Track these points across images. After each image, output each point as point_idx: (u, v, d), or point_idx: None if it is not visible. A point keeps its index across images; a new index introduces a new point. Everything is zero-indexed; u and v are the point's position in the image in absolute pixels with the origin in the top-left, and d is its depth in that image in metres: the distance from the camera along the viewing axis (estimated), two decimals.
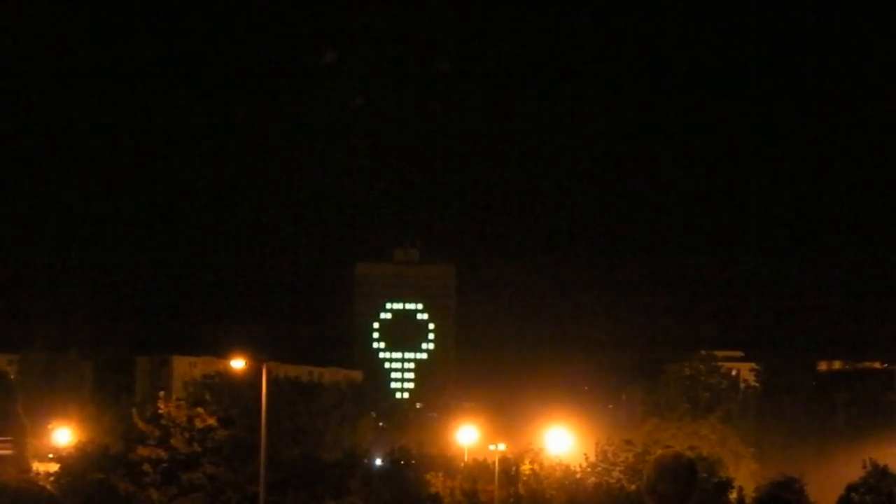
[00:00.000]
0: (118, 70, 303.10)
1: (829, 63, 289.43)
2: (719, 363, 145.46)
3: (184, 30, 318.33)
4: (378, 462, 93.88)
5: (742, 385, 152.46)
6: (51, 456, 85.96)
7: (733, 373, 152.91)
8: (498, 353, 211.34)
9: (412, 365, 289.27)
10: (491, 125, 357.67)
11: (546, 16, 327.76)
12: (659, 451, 7.73)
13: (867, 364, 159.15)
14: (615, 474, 77.45)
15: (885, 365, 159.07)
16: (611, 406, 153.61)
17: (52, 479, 69.69)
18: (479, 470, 76.47)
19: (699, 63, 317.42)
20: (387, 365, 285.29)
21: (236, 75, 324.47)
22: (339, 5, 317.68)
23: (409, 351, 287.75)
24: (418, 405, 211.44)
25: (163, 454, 67.08)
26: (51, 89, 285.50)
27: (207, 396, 77.65)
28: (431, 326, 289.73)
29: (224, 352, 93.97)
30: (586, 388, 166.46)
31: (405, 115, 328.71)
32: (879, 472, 79.12)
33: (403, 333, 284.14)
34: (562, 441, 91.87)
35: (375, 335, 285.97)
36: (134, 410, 74.35)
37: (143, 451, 67.14)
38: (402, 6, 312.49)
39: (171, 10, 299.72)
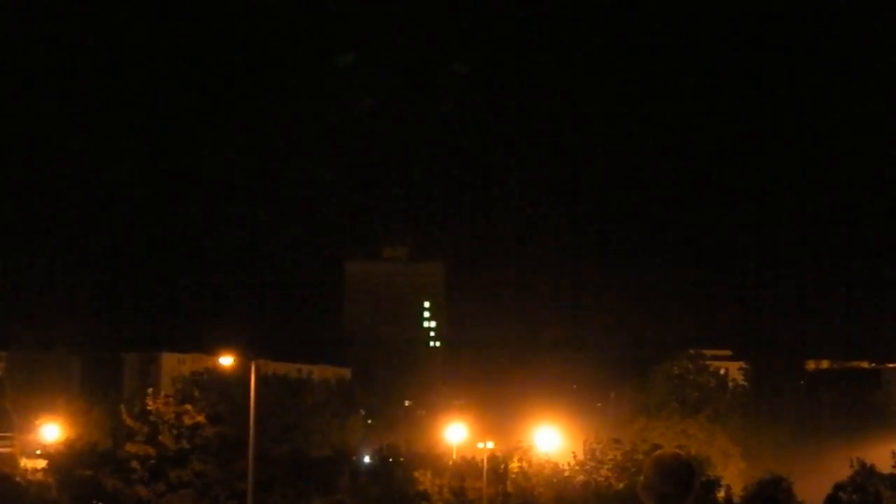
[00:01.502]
0: (123, 67, 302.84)
1: (823, 63, 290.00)
2: (708, 362, 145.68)
3: (185, 27, 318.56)
4: (366, 459, 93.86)
5: (730, 384, 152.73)
6: (39, 452, 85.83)
7: (722, 372, 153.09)
8: (487, 352, 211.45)
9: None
10: (481, 126, 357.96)
11: (554, 23, 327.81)
12: (657, 451, 7.73)
13: (855, 363, 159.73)
14: (603, 472, 77.55)
15: (873, 364, 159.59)
16: (599, 405, 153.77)
17: (39, 475, 69.56)
18: (468, 468, 76.47)
19: (700, 69, 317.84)
20: None
21: (237, 74, 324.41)
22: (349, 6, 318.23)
23: None
24: (407, 403, 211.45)
25: (151, 451, 67.02)
26: (56, 84, 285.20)
27: (196, 393, 77.60)
28: None
29: (213, 349, 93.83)
30: (575, 386, 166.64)
31: (393, 117, 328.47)
32: (867, 472, 79.34)
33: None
34: (550, 439, 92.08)
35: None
36: (122, 407, 74.25)
37: (131, 447, 67.07)
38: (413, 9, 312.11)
39: (179, 7, 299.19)
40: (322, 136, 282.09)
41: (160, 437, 67.43)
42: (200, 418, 69.00)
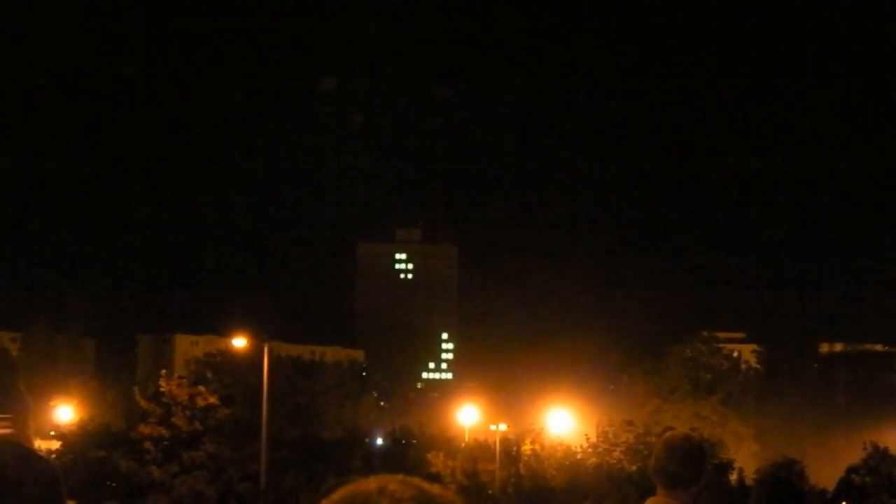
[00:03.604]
0: (140, 79, 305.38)
1: (822, 57, 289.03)
2: (721, 344, 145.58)
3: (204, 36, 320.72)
4: (379, 441, 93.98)
5: (743, 366, 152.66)
6: (52, 433, 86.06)
7: (735, 354, 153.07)
8: (500, 334, 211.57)
9: None
10: (495, 109, 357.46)
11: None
12: (668, 433, 7.68)
13: (869, 346, 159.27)
14: (616, 455, 77.59)
15: (887, 347, 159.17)
16: (612, 387, 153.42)
17: (53, 456, 69.76)
18: (480, 450, 76.56)
19: (693, 67, 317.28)
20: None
21: (248, 79, 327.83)
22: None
23: None
24: (420, 385, 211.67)
25: (164, 432, 67.18)
26: (66, 90, 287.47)
27: (209, 375, 77.74)
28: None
29: (226, 331, 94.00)
30: (587, 368, 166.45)
31: (412, 103, 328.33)
32: (880, 454, 79.40)
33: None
34: (563, 422, 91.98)
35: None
36: (136, 388, 74.38)
37: (144, 429, 67.23)
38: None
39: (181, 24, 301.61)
40: (332, 124, 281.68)
41: (173, 419, 67.56)
42: (213, 400, 69.11)
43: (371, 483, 2.69)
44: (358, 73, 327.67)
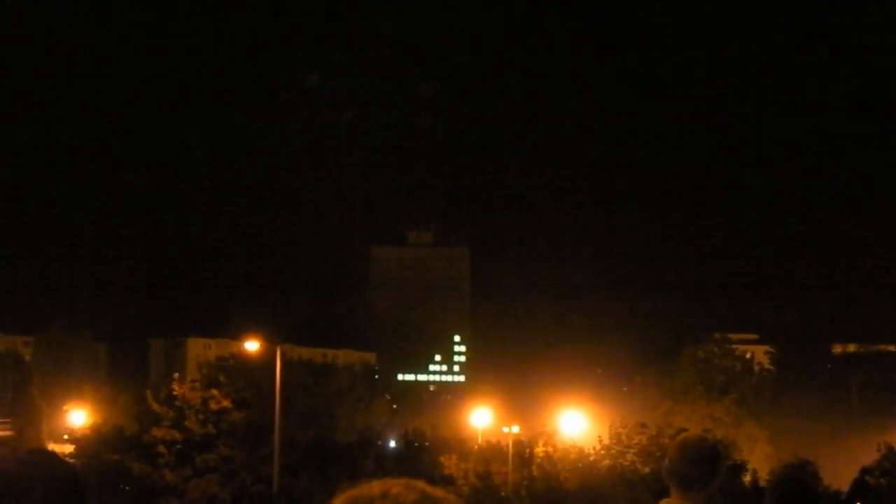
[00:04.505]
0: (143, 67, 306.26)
1: (824, 59, 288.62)
2: (734, 346, 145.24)
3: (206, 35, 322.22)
4: (392, 444, 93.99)
5: (756, 368, 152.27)
6: (66, 437, 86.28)
7: (748, 356, 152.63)
8: (512, 336, 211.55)
9: None
10: (509, 112, 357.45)
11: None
12: (682, 434, 7.65)
13: (882, 347, 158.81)
14: (629, 457, 77.37)
15: None
16: (625, 389, 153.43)
17: (67, 459, 69.90)
18: (493, 452, 76.49)
19: (683, 71, 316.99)
20: None
21: (262, 83, 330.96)
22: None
23: None
24: (432, 387, 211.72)
25: (177, 436, 67.22)
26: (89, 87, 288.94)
27: (222, 378, 77.71)
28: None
29: (238, 334, 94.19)
30: (600, 371, 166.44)
31: (427, 107, 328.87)
32: (894, 455, 79.09)
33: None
34: (576, 424, 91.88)
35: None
36: (148, 392, 74.44)
37: (157, 432, 67.28)
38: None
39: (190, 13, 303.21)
40: (343, 125, 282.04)
41: (186, 422, 67.59)
42: (226, 403, 69.12)
43: (374, 487, 2.72)
44: (373, 76, 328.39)
